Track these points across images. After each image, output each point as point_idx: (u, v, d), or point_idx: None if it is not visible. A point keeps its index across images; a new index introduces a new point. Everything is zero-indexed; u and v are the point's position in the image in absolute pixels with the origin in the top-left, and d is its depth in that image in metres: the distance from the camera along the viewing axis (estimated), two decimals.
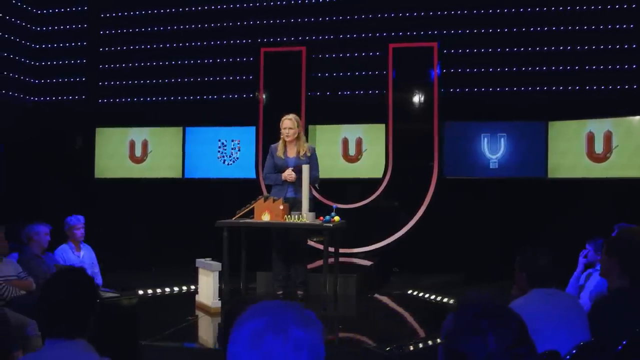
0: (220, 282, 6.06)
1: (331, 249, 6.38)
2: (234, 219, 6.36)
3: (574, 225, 7.66)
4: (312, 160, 6.67)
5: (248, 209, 6.29)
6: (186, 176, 9.53)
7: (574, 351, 3.38)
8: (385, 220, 8.41)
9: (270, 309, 1.38)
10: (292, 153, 6.68)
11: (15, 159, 9.40)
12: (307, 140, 7.02)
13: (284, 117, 6.72)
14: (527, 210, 8.53)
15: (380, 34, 9.07)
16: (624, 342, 3.36)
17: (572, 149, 8.36)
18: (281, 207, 6.03)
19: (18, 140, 9.50)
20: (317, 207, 6.85)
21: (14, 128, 9.59)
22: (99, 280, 6.96)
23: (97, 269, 7.01)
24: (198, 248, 7.55)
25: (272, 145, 6.86)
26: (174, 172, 9.56)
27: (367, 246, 8.29)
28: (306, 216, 6.04)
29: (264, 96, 8.76)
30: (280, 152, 6.68)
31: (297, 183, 6.50)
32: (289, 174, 6.51)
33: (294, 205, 6.42)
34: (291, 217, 6.10)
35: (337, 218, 6.23)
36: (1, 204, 9.23)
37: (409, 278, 8.09)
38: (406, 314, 6.71)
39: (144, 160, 9.67)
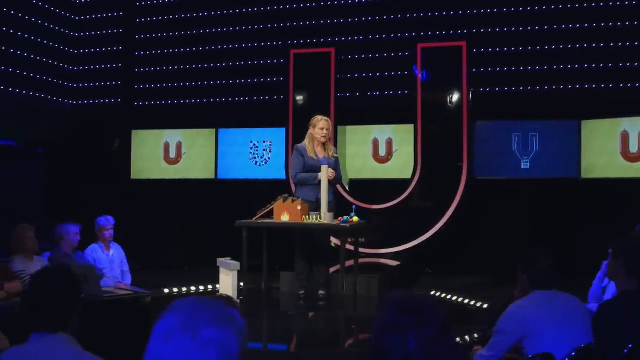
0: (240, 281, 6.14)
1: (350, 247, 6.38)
2: (254, 219, 6.44)
3: (608, 226, 7.48)
4: (338, 160, 6.76)
5: (268, 210, 6.35)
6: (219, 177, 9.67)
7: (573, 354, 3.33)
8: (415, 221, 8.37)
9: (185, 306, 1.42)
10: (322, 153, 6.74)
11: (55, 162, 9.70)
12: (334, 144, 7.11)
13: (321, 118, 6.76)
14: (559, 211, 8.38)
15: (408, 33, 9.03)
16: (630, 346, 3.29)
17: (606, 149, 8.17)
18: (299, 207, 6.08)
19: (57, 143, 9.80)
20: (343, 208, 6.88)
21: (53, 132, 9.91)
22: (127, 278, 7.11)
23: (126, 268, 7.14)
24: (230, 248, 7.60)
25: (299, 145, 6.88)
26: (207, 173, 9.72)
27: (397, 247, 8.28)
28: (324, 217, 6.07)
29: (297, 97, 8.85)
30: (311, 153, 6.72)
31: (330, 184, 6.53)
32: (332, 173, 6.56)
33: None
34: (309, 217, 6.14)
35: (355, 219, 6.25)
36: (42, 205, 9.54)
37: (439, 279, 8.02)
38: None
39: (179, 161, 9.86)
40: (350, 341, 5.88)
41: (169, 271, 8.92)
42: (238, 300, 2.65)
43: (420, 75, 8.44)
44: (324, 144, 6.74)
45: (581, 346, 3.35)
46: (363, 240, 8.33)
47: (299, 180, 6.79)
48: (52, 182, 9.64)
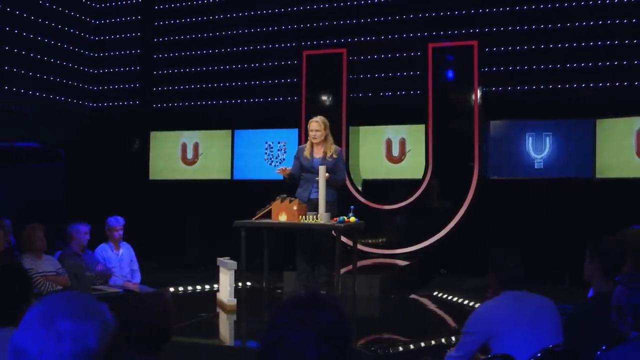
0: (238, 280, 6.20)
1: (349, 245, 6.38)
2: (253, 219, 6.51)
3: (623, 227, 7.32)
4: (339, 162, 6.73)
5: (266, 210, 6.42)
6: (235, 177, 9.78)
7: (539, 354, 3.31)
8: (426, 221, 8.35)
9: (49, 300, 1.48)
10: (318, 154, 6.75)
11: (76, 163, 9.92)
12: (335, 143, 7.08)
13: (311, 120, 6.82)
14: (573, 211, 8.24)
15: (420, 33, 9.00)
16: (603, 347, 3.26)
17: (621, 148, 8.03)
18: (295, 207, 6.12)
19: (78, 144, 10.03)
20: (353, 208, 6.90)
21: (74, 133, 10.14)
22: (137, 277, 7.25)
23: (136, 267, 7.28)
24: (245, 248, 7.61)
25: (300, 146, 6.98)
26: (223, 174, 9.84)
27: (408, 247, 8.27)
28: (321, 217, 6.10)
29: (309, 98, 8.90)
30: (307, 153, 6.76)
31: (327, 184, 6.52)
32: (281, 170, 6.72)
33: (317, 206, 6.46)
34: (306, 217, 6.18)
35: (352, 219, 6.26)
36: (63, 205, 9.78)
37: (449, 280, 7.98)
38: (418, 316, 6.63)
39: (196, 162, 10.00)
40: None
41: (185, 270, 9.04)
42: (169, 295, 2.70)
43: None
44: (324, 145, 6.74)
45: (548, 347, 3.33)
46: (382, 241, 8.36)
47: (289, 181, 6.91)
48: (73, 183, 9.87)
